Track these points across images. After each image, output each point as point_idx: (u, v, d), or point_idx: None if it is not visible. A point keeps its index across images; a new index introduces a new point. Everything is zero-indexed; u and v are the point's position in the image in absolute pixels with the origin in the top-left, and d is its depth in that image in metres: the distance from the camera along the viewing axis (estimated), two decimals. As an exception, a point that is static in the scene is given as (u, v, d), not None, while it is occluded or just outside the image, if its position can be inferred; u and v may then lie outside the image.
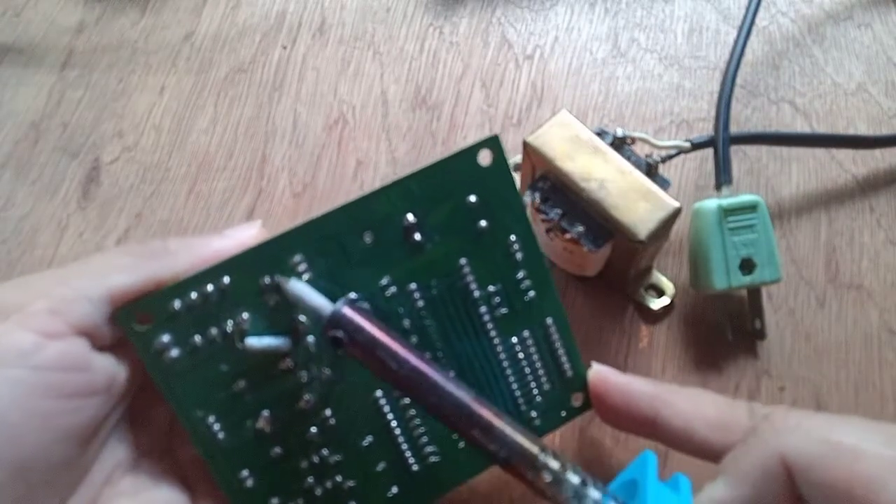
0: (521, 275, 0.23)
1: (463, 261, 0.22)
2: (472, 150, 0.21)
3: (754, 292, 0.29)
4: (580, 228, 0.26)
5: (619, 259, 0.28)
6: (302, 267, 0.21)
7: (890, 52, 0.36)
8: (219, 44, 0.37)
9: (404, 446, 0.23)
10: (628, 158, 0.28)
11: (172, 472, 0.22)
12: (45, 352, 0.18)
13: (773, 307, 0.30)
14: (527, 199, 0.27)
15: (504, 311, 0.23)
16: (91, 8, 0.38)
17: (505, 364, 0.23)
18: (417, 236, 0.21)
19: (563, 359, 0.24)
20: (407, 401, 0.23)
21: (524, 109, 0.35)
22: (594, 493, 0.19)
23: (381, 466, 0.23)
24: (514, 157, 0.32)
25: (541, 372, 0.24)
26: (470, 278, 0.22)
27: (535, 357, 0.24)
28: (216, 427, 0.21)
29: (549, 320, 0.23)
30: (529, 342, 0.23)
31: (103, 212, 0.33)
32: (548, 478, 0.19)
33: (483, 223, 0.22)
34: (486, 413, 0.20)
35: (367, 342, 0.20)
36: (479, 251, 0.22)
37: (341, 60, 0.36)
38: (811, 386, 0.29)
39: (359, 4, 0.38)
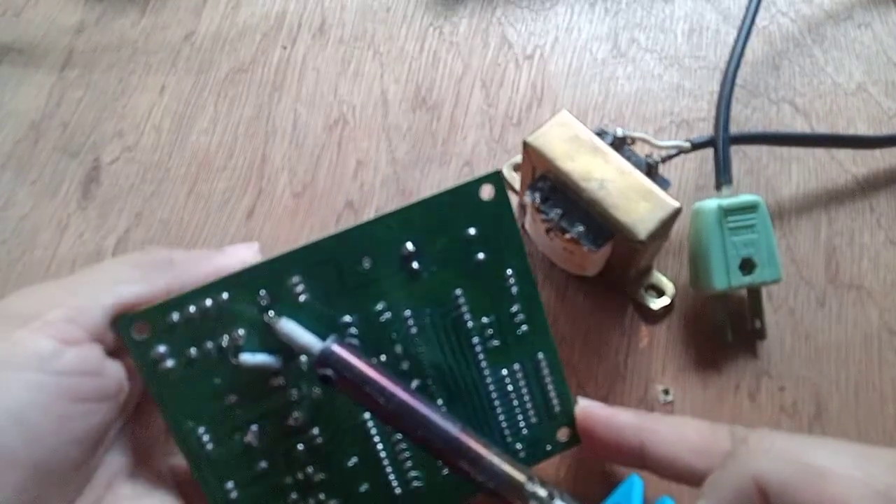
0: (514, 308, 0.23)
1: (458, 291, 0.22)
2: (475, 184, 0.22)
3: (754, 292, 0.29)
4: (580, 228, 0.26)
5: (619, 259, 0.28)
6: (300, 288, 0.21)
7: (890, 52, 0.36)
8: (219, 44, 0.37)
9: (388, 469, 0.23)
10: (628, 158, 0.28)
11: (169, 480, 0.22)
12: (63, 357, 0.18)
13: (773, 307, 0.30)
14: (527, 199, 0.27)
15: (496, 343, 0.23)
16: (91, 8, 0.38)
17: (494, 396, 0.23)
18: (415, 264, 0.22)
19: (552, 394, 0.24)
20: None
21: (524, 109, 0.35)
22: None
23: (363, 488, 0.23)
24: (514, 157, 0.32)
25: (529, 405, 0.24)
26: (464, 309, 0.23)
27: (525, 391, 0.24)
28: (205, 438, 0.21)
29: (541, 355, 0.24)
30: (519, 375, 0.24)
31: (103, 212, 0.33)
32: None
33: (481, 255, 0.22)
34: (474, 444, 0.21)
35: (355, 379, 0.20)
36: (475, 283, 0.22)
37: (341, 60, 0.36)
38: (811, 386, 0.29)
39: (359, 4, 0.38)
